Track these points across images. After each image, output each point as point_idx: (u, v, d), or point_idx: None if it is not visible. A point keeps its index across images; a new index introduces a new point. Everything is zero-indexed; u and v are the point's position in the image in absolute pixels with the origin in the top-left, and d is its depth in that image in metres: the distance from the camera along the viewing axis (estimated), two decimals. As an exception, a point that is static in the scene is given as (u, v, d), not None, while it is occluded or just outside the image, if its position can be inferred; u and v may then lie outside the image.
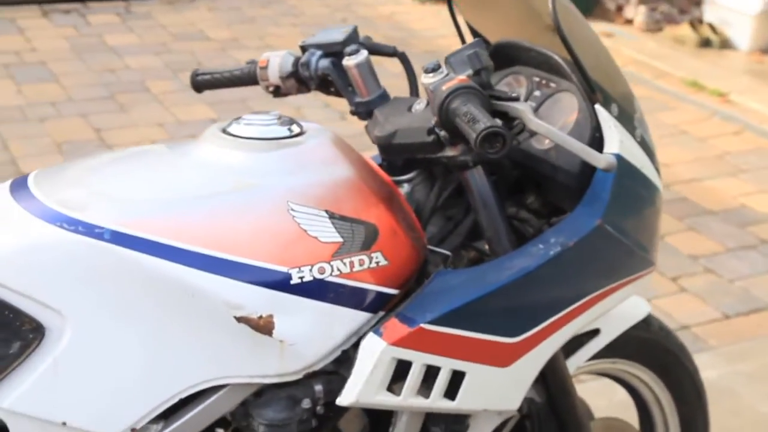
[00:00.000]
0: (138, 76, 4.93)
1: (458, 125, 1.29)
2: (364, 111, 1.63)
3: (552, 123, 1.55)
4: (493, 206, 1.52)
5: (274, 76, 1.70)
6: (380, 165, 1.61)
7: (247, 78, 1.75)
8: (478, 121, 1.24)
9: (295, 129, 1.45)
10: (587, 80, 1.48)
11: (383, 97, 1.63)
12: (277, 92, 1.72)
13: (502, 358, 1.43)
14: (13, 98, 4.53)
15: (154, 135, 4.17)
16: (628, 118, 1.54)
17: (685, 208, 3.89)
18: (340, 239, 1.35)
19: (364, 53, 1.60)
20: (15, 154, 3.93)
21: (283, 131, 1.44)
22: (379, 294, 1.39)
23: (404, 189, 1.58)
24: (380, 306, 1.40)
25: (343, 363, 1.39)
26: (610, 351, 1.79)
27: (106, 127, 4.28)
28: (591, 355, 1.77)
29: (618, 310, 1.70)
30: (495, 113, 1.37)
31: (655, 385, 1.91)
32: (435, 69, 1.39)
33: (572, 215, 1.47)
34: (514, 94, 1.39)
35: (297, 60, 1.68)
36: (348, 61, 1.60)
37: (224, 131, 1.43)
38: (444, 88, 1.33)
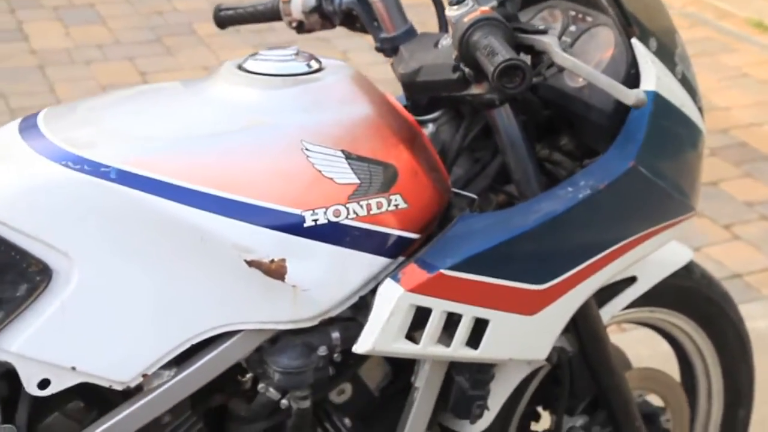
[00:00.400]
0: (185, 18, 4.89)
1: (478, 59, 1.22)
2: (389, 47, 1.56)
3: (587, 59, 1.47)
4: (521, 147, 1.45)
5: (297, 10, 1.64)
6: (405, 105, 1.55)
7: (270, 13, 1.69)
8: (496, 54, 1.17)
9: (314, 65, 1.39)
10: (623, 12, 1.39)
11: (409, 33, 1.56)
12: (301, 28, 1.66)
13: (529, 305, 1.37)
14: (61, 41, 4.53)
15: (199, 78, 4.12)
16: (667, 54, 1.45)
17: (743, 154, 3.76)
18: (357, 180, 1.29)
19: None
20: (61, 97, 3.93)
21: (301, 67, 1.37)
22: (399, 238, 1.33)
23: (429, 129, 1.52)
24: (400, 251, 1.35)
25: (360, 309, 1.34)
26: (648, 299, 1.72)
27: (151, 71, 4.26)
28: (627, 304, 1.69)
29: (656, 257, 1.62)
30: (520, 47, 1.29)
31: (696, 335, 1.83)
32: (460, 1, 1.31)
33: (604, 157, 1.39)
34: (541, 27, 1.31)
35: None
36: None
37: (239, 67, 1.37)
38: (465, 20, 1.26)
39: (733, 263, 3.01)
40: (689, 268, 1.76)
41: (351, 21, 1.62)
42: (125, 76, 4.19)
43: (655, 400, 1.82)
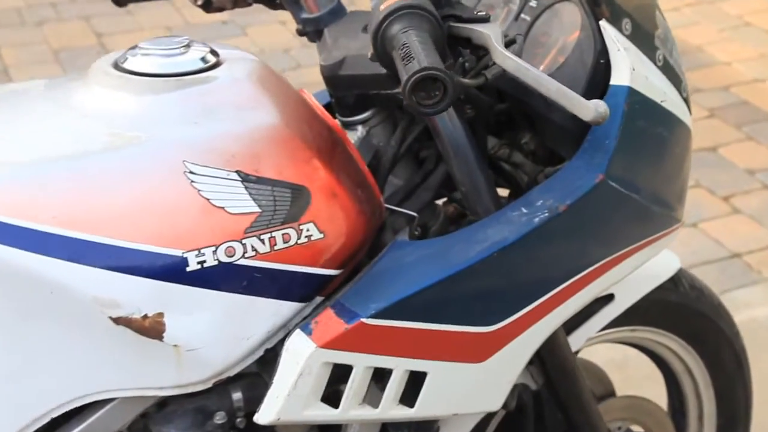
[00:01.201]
0: (148, -28, 4.57)
1: (394, 60, 0.96)
2: (312, 30, 1.30)
3: (548, 42, 1.21)
4: (468, 154, 1.19)
5: (201, -16, 1.37)
6: (327, 104, 1.28)
7: None
8: (412, 59, 0.90)
9: (210, 59, 1.13)
10: None
11: (335, 13, 1.29)
12: (208, 6, 1.38)
13: (475, 352, 1.12)
14: (12, 0, 4.22)
15: (161, 40, 3.83)
16: (645, 37, 1.18)
17: (745, 114, 3.47)
18: (257, 209, 1.04)
19: None
20: (7, 62, 3.64)
21: (191, 63, 1.11)
22: (312, 277, 1.08)
23: (357, 133, 1.26)
24: (315, 291, 1.10)
25: (268, 364, 1.10)
26: (629, 318, 1.47)
27: (108, 32, 3.96)
28: (604, 325, 1.45)
29: (637, 270, 1.37)
30: (457, 39, 1.03)
31: (685, 354, 1.59)
32: None
33: (567, 168, 1.14)
34: (481, 12, 1.04)
35: None
36: None
37: (116, 65, 1.11)
38: (382, 7, 0.99)
39: (731, 241, 2.76)
40: (676, 280, 1.51)
41: (268, -3, 1.35)
42: (80, 38, 3.90)
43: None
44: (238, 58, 1.15)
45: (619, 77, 1.13)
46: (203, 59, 1.12)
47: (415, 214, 1.22)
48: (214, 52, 1.14)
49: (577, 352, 1.42)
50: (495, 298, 1.11)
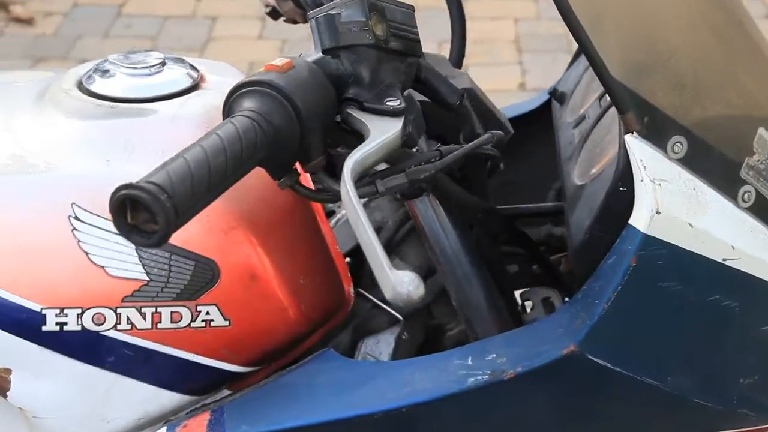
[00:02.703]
0: None
1: None
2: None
3: (591, 165, 0.91)
4: (459, 261, 0.94)
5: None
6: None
7: None
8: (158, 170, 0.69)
9: (184, 82, 0.97)
10: (602, 78, 0.79)
11: None
12: (275, 15, 1.21)
13: None
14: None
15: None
16: (719, 164, 0.83)
17: None
18: (144, 277, 0.89)
19: None
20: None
21: (161, 86, 0.97)
22: (206, 369, 0.91)
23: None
24: (217, 384, 0.93)
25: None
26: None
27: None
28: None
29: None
30: (345, 133, 0.79)
31: None
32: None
33: (555, 315, 0.86)
34: (392, 102, 0.78)
35: None
36: None
37: (79, 82, 0.99)
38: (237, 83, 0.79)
39: None
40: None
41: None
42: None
43: None
44: (215, 85, 0.98)
45: (636, 217, 0.80)
46: (190, 76, 0.98)
47: (399, 317, 0.99)
48: (192, 72, 0.98)
49: None
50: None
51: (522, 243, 1.06)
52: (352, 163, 0.71)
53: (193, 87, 0.97)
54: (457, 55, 1.11)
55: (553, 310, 1.03)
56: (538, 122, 1.17)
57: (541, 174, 1.15)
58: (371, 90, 0.80)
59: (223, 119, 0.77)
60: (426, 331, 1.03)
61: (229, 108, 0.77)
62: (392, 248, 1.02)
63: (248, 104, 0.75)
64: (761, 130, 0.84)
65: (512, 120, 1.15)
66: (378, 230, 1.03)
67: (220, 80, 0.99)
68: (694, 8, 0.86)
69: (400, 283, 0.63)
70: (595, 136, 0.96)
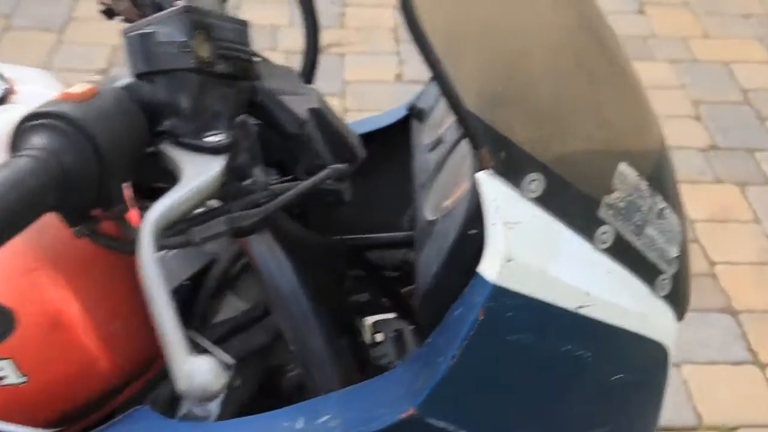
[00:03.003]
0: None
1: None
2: None
3: (444, 197, 0.83)
4: (300, 303, 0.84)
5: (99, -15, 1.07)
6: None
7: None
8: None
9: None
10: (456, 110, 0.71)
11: None
12: (110, 14, 1.09)
13: None
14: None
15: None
16: (577, 203, 0.75)
17: None
18: None
19: None
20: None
21: None
22: None
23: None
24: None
25: None
26: None
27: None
28: None
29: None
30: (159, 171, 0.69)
31: None
32: None
33: (378, 381, 0.76)
34: (214, 136, 0.68)
35: None
36: None
37: None
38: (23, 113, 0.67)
39: None
40: None
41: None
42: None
43: None
44: (28, 98, 0.86)
45: (486, 265, 0.71)
46: None
47: (230, 360, 0.89)
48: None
49: None
50: None
51: (373, 275, 0.97)
52: (155, 217, 0.60)
53: (0, 100, 0.85)
54: (309, 68, 1.01)
55: (404, 347, 0.95)
56: (398, 137, 1.09)
57: (400, 193, 1.07)
58: (192, 121, 0.69)
59: (9, 155, 0.65)
60: (263, 372, 0.93)
61: (14, 144, 0.66)
62: (227, 283, 0.92)
63: (36, 140, 0.63)
64: (622, 165, 0.77)
65: (371, 135, 1.07)
66: (210, 264, 0.92)
67: (35, 92, 0.87)
68: (556, 35, 0.78)
69: (197, 368, 0.53)
70: (451, 163, 0.88)
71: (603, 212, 0.76)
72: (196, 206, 0.67)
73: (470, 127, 0.70)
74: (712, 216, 2.41)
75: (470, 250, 0.73)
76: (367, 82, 2.86)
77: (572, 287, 0.74)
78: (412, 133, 1.02)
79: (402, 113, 1.08)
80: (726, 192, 2.50)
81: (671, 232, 0.81)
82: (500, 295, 0.71)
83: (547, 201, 0.73)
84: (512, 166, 0.71)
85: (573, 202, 0.74)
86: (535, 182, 0.72)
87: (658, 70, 2.99)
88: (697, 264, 2.25)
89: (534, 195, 0.72)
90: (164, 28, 0.69)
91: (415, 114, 1.03)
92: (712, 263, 2.26)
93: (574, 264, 0.74)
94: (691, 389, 1.96)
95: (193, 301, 0.93)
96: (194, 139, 0.68)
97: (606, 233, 0.76)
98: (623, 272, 0.78)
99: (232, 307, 0.93)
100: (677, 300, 0.81)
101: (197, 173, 0.66)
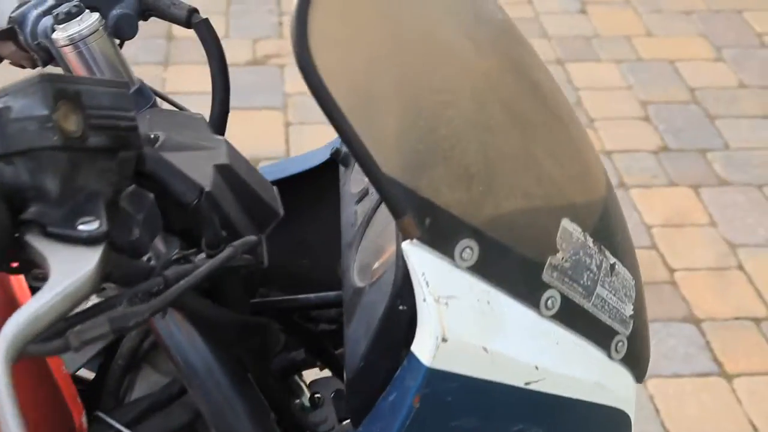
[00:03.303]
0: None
1: None
2: None
3: (373, 258, 0.75)
4: (219, 383, 0.76)
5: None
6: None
7: None
8: None
9: None
10: (372, 177, 0.63)
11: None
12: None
13: None
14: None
15: None
16: (516, 268, 0.67)
17: None
18: None
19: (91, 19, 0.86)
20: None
21: None
22: None
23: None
24: None
25: None
26: None
27: None
28: None
29: None
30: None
31: None
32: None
33: None
34: (87, 224, 0.59)
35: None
36: (58, 33, 0.86)
37: None
38: None
39: None
40: None
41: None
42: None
43: None
44: None
45: (419, 346, 0.64)
46: None
47: (123, 430, 0.80)
48: None
49: None
50: None
51: (303, 337, 0.89)
52: (12, 333, 0.51)
53: None
54: (220, 116, 0.93)
55: (344, 408, 0.87)
56: (327, 176, 1.00)
57: (333, 236, 0.99)
58: (61, 206, 0.59)
59: None
60: None
61: None
62: (139, 359, 0.83)
63: None
64: (565, 222, 0.69)
65: (298, 176, 0.99)
66: (120, 338, 0.83)
67: None
68: (483, 83, 0.71)
69: None
70: (379, 219, 0.80)
71: (547, 275, 0.68)
72: (69, 310, 0.58)
73: (389, 194, 0.62)
74: (667, 220, 2.36)
75: (401, 327, 0.65)
76: (309, 94, 2.77)
77: (518, 362, 0.66)
78: (340, 178, 0.94)
79: (325, 156, 1.00)
80: (680, 195, 2.45)
81: (624, 289, 0.74)
82: (437, 378, 0.63)
83: (483, 269, 0.65)
84: (441, 233, 0.63)
85: (513, 268, 0.67)
86: (468, 249, 0.64)
87: (603, 71, 2.94)
88: (656, 271, 2.19)
89: (468, 264, 0.64)
90: (20, 101, 0.59)
91: (339, 159, 0.95)
92: (672, 270, 2.21)
93: (519, 336, 0.67)
94: (658, 404, 1.91)
95: (105, 376, 0.85)
96: (64, 228, 0.58)
97: (552, 298, 0.68)
98: (574, 339, 0.70)
99: (148, 382, 0.85)
100: (635, 362, 0.74)
101: (67, 271, 0.57)
